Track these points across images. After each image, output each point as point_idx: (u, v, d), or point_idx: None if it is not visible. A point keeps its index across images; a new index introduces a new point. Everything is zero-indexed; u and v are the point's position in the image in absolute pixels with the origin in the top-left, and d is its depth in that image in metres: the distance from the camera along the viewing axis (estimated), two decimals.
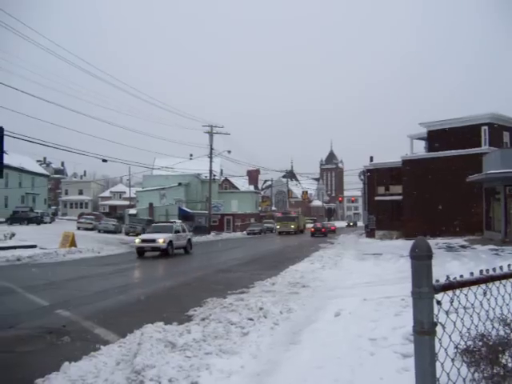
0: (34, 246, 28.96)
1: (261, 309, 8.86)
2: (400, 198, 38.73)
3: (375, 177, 44.13)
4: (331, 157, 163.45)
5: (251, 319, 8.16)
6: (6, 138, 28.25)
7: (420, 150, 43.17)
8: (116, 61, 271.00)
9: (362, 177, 50.10)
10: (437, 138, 37.46)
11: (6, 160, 34.85)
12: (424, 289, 2.29)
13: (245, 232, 64.78)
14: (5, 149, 28.84)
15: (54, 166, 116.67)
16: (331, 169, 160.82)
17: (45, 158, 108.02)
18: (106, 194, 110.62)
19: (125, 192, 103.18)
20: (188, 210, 60.02)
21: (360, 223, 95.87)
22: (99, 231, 50.67)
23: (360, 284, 12.50)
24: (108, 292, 13.12)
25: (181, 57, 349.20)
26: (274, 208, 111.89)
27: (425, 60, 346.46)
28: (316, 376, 5.07)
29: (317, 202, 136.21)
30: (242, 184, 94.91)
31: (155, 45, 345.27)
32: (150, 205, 60.61)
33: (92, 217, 61.22)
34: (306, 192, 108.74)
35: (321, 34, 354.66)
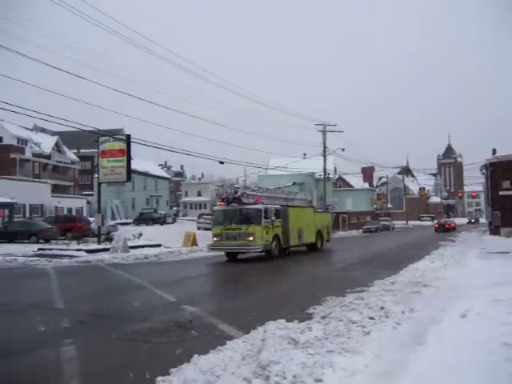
0: (159, 245, 30.90)
1: (382, 308, 8.69)
2: None
3: (499, 170, 41.17)
4: (449, 150, 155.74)
5: (372, 318, 8.03)
6: (132, 144, 30.45)
7: None
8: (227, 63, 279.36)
9: (484, 171, 46.96)
10: None
11: (133, 165, 37.48)
12: None
13: (360, 230, 63.76)
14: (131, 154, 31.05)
15: (174, 169, 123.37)
16: (449, 163, 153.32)
17: (166, 162, 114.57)
18: None
19: None
20: None
21: (482, 220, 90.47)
22: None
23: (486, 284, 11.79)
24: (228, 289, 13.63)
25: (290, 56, 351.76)
26: (389, 205, 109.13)
27: None
28: (444, 380, 4.90)
29: (435, 199, 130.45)
30: (357, 182, 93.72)
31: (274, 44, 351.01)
32: None
33: (211, 217, 63.34)
34: (424, 188, 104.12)
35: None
